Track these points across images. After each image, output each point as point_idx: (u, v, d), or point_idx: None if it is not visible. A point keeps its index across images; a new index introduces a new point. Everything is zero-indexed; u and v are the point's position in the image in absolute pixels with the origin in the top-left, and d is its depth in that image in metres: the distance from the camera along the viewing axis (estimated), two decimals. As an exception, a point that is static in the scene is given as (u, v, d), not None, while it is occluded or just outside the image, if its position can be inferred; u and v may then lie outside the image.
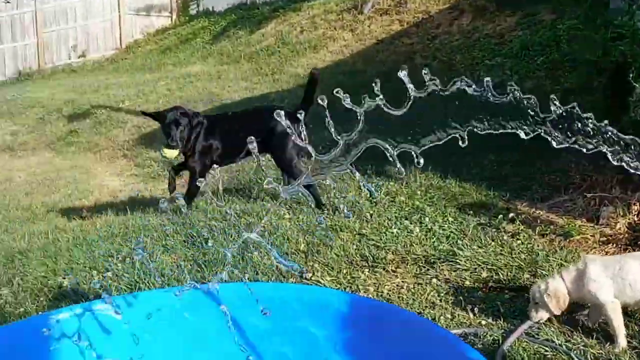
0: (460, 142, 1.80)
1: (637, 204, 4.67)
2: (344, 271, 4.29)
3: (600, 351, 3.19)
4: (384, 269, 4.32)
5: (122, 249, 5.02)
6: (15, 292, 4.52)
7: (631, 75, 4.83)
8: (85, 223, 6.38)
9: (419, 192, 5.68)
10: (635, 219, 4.61)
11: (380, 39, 12.74)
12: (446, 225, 4.95)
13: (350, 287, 4.09)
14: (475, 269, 4.22)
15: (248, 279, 4.21)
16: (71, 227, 6.20)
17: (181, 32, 19.67)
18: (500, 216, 4.96)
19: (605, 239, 4.55)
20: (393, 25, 13.09)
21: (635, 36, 4.86)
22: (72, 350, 2.63)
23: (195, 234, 5.07)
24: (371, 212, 5.35)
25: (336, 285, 4.10)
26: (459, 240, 4.68)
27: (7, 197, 8.53)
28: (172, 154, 5.69)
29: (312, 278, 4.23)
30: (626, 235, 4.49)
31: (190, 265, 4.51)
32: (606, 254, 4.36)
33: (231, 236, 4.95)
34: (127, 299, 2.68)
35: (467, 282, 4.07)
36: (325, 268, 4.36)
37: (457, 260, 4.31)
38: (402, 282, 4.15)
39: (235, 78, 13.62)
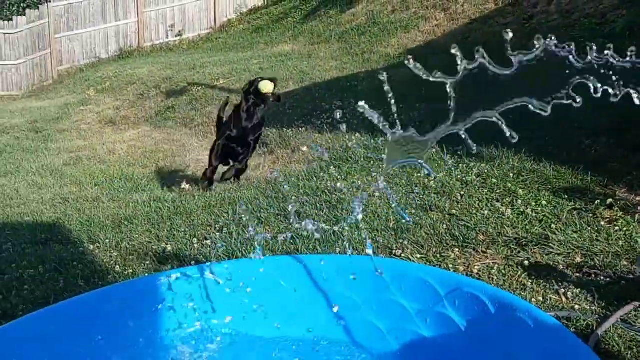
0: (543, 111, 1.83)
1: None
2: (434, 250, 4.34)
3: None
4: (474, 249, 4.34)
5: (220, 219, 5.27)
6: (124, 255, 4.87)
7: None
8: (184, 194, 6.73)
9: (511, 175, 5.60)
10: None
11: (474, 19, 12.47)
12: (539, 209, 4.88)
13: (440, 265, 4.13)
14: (569, 253, 4.16)
15: (339, 251, 4.35)
16: (172, 198, 6.55)
17: (273, 11, 19.99)
18: (597, 202, 4.83)
19: None
20: (487, 4, 12.76)
21: None
22: (182, 309, 2.85)
23: (287, 209, 5.26)
24: (462, 192, 5.34)
25: (426, 263, 4.16)
26: (552, 224, 4.60)
27: (111, 168, 9.09)
28: (269, 87, 6.51)
29: (402, 255, 4.31)
30: None
31: (284, 237, 4.68)
32: None
33: (322, 211, 5.09)
34: (232, 265, 2.87)
35: (560, 266, 4.02)
36: (415, 246, 4.42)
37: (550, 244, 4.26)
38: (493, 262, 4.15)
39: (325, 57, 13.75)
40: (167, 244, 4.92)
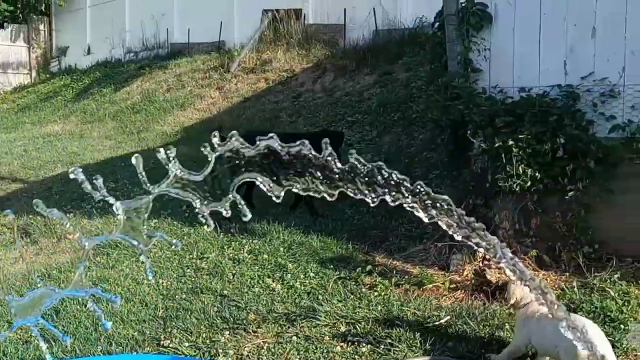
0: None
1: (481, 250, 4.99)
2: (204, 335, 4.19)
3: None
4: (244, 329, 4.28)
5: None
6: None
7: (469, 132, 5.24)
8: None
9: (281, 249, 5.73)
10: (480, 264, 4.92)
11: (247, 97, 12.92)
12: (307, 281, 5.02)
13: (209, 351, 3.99)
14: (335, 323, 4.29)
15: (100, 351, 4.01)
16: None
17: (41, 90, 18.80)
18: (359, 269, 5.12)
19: (454, 285, 4.81)
20: (259, 83, 13.34)
21: (470, 97, 5.30)
22: None
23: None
24: (234, 272, 5.31)
25: (194, 351, 3.99)
26: (319, 296, 4.75)
27: None
28: None
29: (170, 345, 4.09)
30: (472, 281, 4.77)
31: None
32: (455, 300, 4.61)
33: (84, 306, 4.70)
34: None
35: (327, 337, 4.11)
36: (184, 333, 4.24)
37: (318, 316, 4.36)
38: (263, 342, 4.11)
39: (99, 137, 13.16)
40: None
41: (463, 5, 5.41)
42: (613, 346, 3.72)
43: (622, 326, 3.91)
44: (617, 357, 3.65)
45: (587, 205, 4.95)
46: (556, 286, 4.63)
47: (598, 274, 4.58)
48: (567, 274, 4.81)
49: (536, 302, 3.49)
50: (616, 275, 4.49)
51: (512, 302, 3.63)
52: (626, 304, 4.19)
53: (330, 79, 12.36)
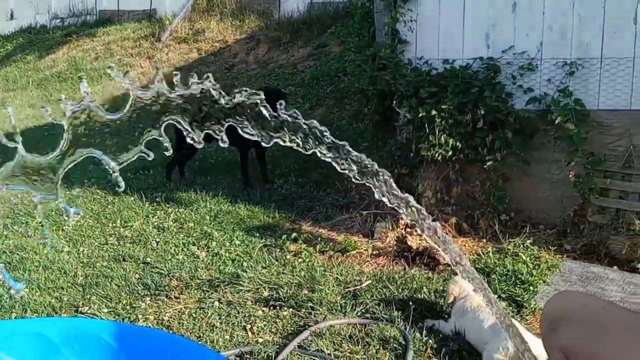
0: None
1: (404, 218, 5.10)
2: (124, 301, 4.14)
3: (364, 356, 3.43)
4: (166, 296, 4.25)
5: None
6: None
7: (394, 102, 5.32)
8: None
9: (208, 217, 5.69)
10: (403, 232, 5.04)
11: (179, 67, 12.63)
12: (232, 249, 5.02)
13: (129, 317, 3.95)
14: (258, 288, 4.31)
15: (15, 317, 3.90)
16: None
17: (-41, 55, 17.84)
18: (285, 237, 5.15)
19: (377, 252, 4.92)
20: (191, 53, 13.07)
21: (396, 67, 5.37)
22: None
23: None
24: (158, 239, 5.25)
25: (114, 317, 3.94)
26: (244, 263, 4.76)
27: None
28: None
29: (89, 311, 4.02)
30: (394, 247, 4.89)
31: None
32: (377, 266, 4.72)
33: None
34: None
35: (249, 302, 4.14)
36: (104, 300, 4.17)
37: (241, 282, 4.37)
38: (185, 307, 4.10)
39: (21, 105, 12.63)
40: None
41: (391, -24, 5.45)
42: (522, 306, 3.92)
43: (531, 288, 4.10)
44: (525, 316, 3.84)
45: (505, 174, 5.14)
46: (473, 252, 4.80)
47: (512, 239, 4.78)
48: (484, 240, 5.00)
49: (474, 296, 3.61)
50: (529, 241, 4.69)
51: (450, 300, 3.73)
52: (536, 267, 4.40)
53: (264, 50, 12.24)
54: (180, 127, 1.84)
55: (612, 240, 4.58)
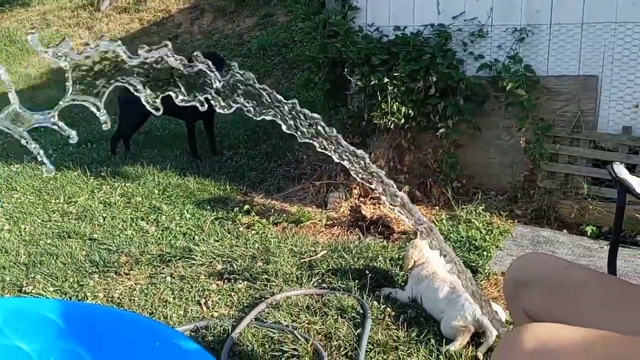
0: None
1: (357, 187, 5.08)
2: (71, 280, 3.97)
3: (322, 326, 3.39)
4: (116, 272, 4.10)
5: None
6: None
7: (346, 70, 5.24)
8: None
9: (156, 191, 5.52)
10: (357, 201, 5.01)
11: (120, 38, 12.19)
12: (183, 222, 4.89)
13: (77, 295, 3.79)
14: (211, 262, 4.21)
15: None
16: None
17: None
18: (237, 209, 5.04)
19: (331, 222, 4.87)
20: (133, 23, 12.63)
21: (347, 34, 5.28)
22: None
23: None
24: (104, 215, 5.06)
25: (60, 295, 3.77)
26: (195, 236, 4.64)
27: None
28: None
29: (34, 291, 3.84)
30: (349, 217, 4.85)
31: None
32: (332, 236, 4.67)
33: None
34: None
35: (203, 276, 4.03)
36: (49, 278, 3.99)
37: (193, 256, 4.26)
38: (135, 284, 3.96)
39: (-49, 79, 11.96)
40: None
41: (340, -60, 5.33)
42: (476, 271, 3.94)
43: (485, 253, 4.14)
44: (480, 281, 3.87)
45: (456, 141, 5.15)
46: (427, 219, 4.80)
47: (465, 206, 4.81)
48: (438, 207, 5.02)
49: (432, 262, 3.60)
50: (481, 208, 4.73)
51: (409, 265, 3.70)
52: (489, 233, 4.44)
53: (209, 20, 11.93)
54: (134, 90, 1.71)
55: (562, 205, 4.66)
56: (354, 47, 5.19)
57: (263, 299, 3.68)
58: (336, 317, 3.44)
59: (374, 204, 4.96)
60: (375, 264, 4.07)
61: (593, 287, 1.83)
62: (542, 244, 4.38)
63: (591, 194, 4.57)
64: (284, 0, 10.90)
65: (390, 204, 2.02)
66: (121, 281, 4.00)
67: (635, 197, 2.16)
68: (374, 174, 2.01)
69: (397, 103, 4.97)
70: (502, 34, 4.99)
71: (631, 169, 4.59)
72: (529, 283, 1.90)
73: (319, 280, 3.92)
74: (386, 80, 4.95)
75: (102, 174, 5.95)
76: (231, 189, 5.59)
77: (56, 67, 11.60)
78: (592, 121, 4.76)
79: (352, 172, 1.92)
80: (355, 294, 3.68)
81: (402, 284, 3.81)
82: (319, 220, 4.88)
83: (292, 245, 4.42)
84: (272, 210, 5.08)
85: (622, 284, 1.81)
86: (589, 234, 4.44)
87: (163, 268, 4.15)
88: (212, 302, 3.70)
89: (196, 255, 4.26)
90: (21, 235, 4.71)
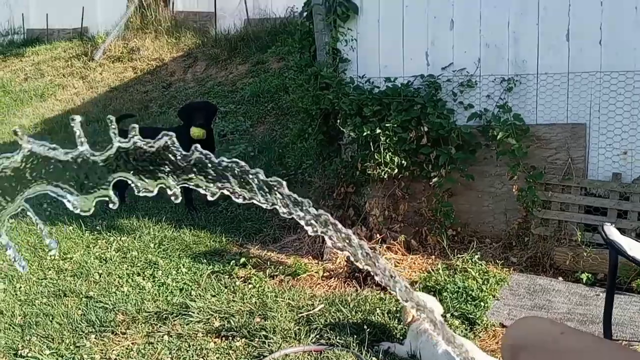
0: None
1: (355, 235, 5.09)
2: (67, 341, 3.95)
3: None
4: (112, 332, 4.08)
5: None
6: None
7: (338, 121, 5.32)
8: None
9: (152, 245, 5.52)
10: (353, 252, 5.01)
11: (114, 87, 12.32)
12: (179, 277, 4.88)
13: (74, 357, 3.77)
14: (208, 319, 4.19)
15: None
16: None
17: None
18: (233, 262, 5.04)
19: (327, 274, 4.88)
20: (127, 72, 12.76)
21: (339, 86, 5.37)
22: None
23: None
24: (100, 271, 5.05)
25: (57, 358, 3.75)
26: (192, 291, 4.63)
27: None
28: (198, 134, 6.26)
29: (29, 354, 3.81)
30: (345, 268, 4.86)
31: None
32: (329, 288, 4.67)
33: None
34: None
35: (200, 334, 4.02)
36: (45, 340, 3.96)
37: (190, 313, 4.24)
38: (132, 343, 3.94)
39: (-54, 130, 12.02)
40: None
41: (330, -5, 5.46)
42: (474, 323, 3.95)
43: (482, 304, 4.15)
44: (478, 333, 3.87)
45: (450, 190, 5.20)
46: (423, 269, 4.83)
47: (460, 255, 4.83)
48: (433, 256, 5.03)
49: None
50: (477, 256, 4.75)
51: (408, 319, 3.69)
52: (485, 282, 4.45)
53: (202, 68, 12.09)
54: (131, 183, 1.74)
55: (556, 252, 4.69)
56: (345, 98, 5.27)
57: (261, 357, 3.67)
58: (335, 375, 3.43)
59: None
60: (373, 318, 4.06)
61: (589, 354, 1.85)
62: (538, 292, 4.39)
63: (585, 241, 4.61)
64: (277, 51, 11.08)
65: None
66: (118, 341, 3.97)
67: (626, 259, 2.19)
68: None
69: (390, 153, 5.03)
70: (490, 83, 5.10)
71: (623, 214, 4.65)
72: (525, 349, 1.93)
73: (317, 336, 3.91)
74: (378, 131, 5.02)
75: (97, 227, 5.95)
76: (227, 241, 5.60)
77: (53, 116, 11.71)
78: (583, 168, 4.83)
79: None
80: (353, 349, 3.67)
81: (401, 337, 3.80)
82: (315, 272, 4.89)
83: (289, 299, 4.42)
84: (269, 263, 5.08)
85: (621, 350, 1.83)
86: (584, 281, 4.46)
87: (160, 326, 4.13)
88: (210, 362, 3.68)
89: (193, 312, 4.25)
90: (16, 294, 4.69)
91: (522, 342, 2.01)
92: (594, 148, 4.81)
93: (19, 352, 3.84)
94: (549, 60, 4.87)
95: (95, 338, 3.99)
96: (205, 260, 5.18)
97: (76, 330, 4.09)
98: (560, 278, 4.59)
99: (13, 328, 4.16)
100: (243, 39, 12.20)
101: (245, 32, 12.59)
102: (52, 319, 4.24)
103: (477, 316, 3.99)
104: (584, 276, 4.46)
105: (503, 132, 4.85)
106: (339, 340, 3.79)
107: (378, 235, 5.14)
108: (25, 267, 1.65)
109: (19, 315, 4.32)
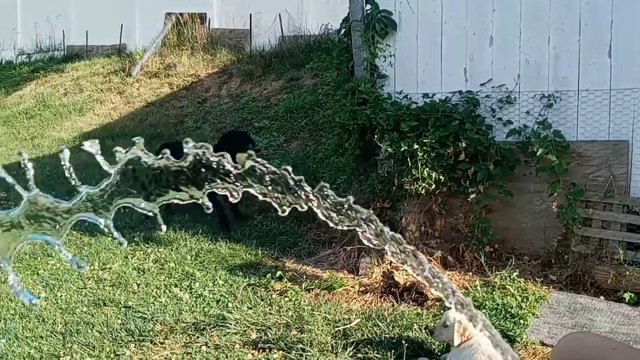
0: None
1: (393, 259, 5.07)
2: (107, 349, 4.00)
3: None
4: (151, 341, 4.12)
5: None
6: None
7: (376, 136, 5.33)
8: None
9: (189, 257, 5.58)
10: (389, 267, 5.00)
11: (150, 102, 12.54)
12: (216, 289, 4.92)
13: (114, 365, 3.82)
14: (245, 331, 4.22)
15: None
16: None
17: None
18: (269, 275, 5.06)
19: (363, 288, 4.86)
20: (163, 88, 12.98)
21: (377, 101, 5.39)
22: None
23: None
24: (139, 282, 5.11)
25: (98, 366, 3.80)
26: (229, 303, 4.66)
27: None
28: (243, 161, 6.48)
29: (71, 361, 3.87)
30: (381, 283, 4.84)
31: None
32: (365, 303, 4.66)
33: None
34: None
35: (237, 345, 4.04)
36: (86, 348, 4.03)
37: (227, 324, 4.27)
38: (171, 353, 3.98)
39: (-13, 143, 12.35)
40: None
41: (368, 12, 5.50)
42: (514, 341, 3.89)
43: (521, 321, 4.09)
44: (518, 351, 3.81)
45: (488, 206, 5.16)
46: (460, 285, 4.78)
47: (498, 272, 4.77)
48: (470, 273, 4.98)
49: (477, 337, 3.49)
50: (515, 273, 4.69)
51: (457, 342, 3.46)
52: (525, 300, 4.39)
53: (237, 84, 12.23)
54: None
55: (597, 270, 4.60)
56: (383, 113, 5.29)
57: (299, 370, 3.66)
58: (374, 390, 3.41)
59: (407, 270, 4.94)
60: (410, 333, 4.04)
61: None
62: (579, 311, 4.31)
63: (627, 260, 4.52)
64: (313, 67, 11.13)
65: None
66: (157, 350, 4.01)
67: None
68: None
69: (427, 169, 5.02)
70: (530, 100, 5.06)
71: (667, 234, 4.55)
72: (577, 364, 1.90)
73: (354, 350, 3.90)
74: (416, 146, 5.02)
75: (135, 239, 6.03)
76: (262, 254, 5.62)
77: (90, 130, 11.96)
78: (625, 186, 4.76)
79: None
80: (392, 364, 3.65)
81: (439, 353, 3.77)
82: (351, 287, 4.88)
83: (325, 312, 4.41)
84: (304, 276, 5.09)
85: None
86: (627, 300, 4.36)
87: (198, 337, 4.16)
88: (248, 373, 3.69)
89: (230, 324, 4.27)
90: (57, 303, 4.77)
91: (573, 356, 1.99)
92: (637, 165, 4.73)
93: (61, 358, 3.91)
94: (591, 77, 4.83)
95: (135, 347, 4.04)
96: (241, 273, 5.21)
97: (116, 339, 4.15)
98: (602, 297, 4.50)
99: (55, 335, 4.23)
100: (277, 56, 12.33)
101: (279, 49, 12.72)
102: (93, 327, 4.30)
103: (517, 334, 3.93)
104: (626, 295, 4.37)
105: (543, 149, 4.81)
106: (376, 355, 3.77)
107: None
108: (85, 267, 1.68)
109: (60, 323, 4.39)
